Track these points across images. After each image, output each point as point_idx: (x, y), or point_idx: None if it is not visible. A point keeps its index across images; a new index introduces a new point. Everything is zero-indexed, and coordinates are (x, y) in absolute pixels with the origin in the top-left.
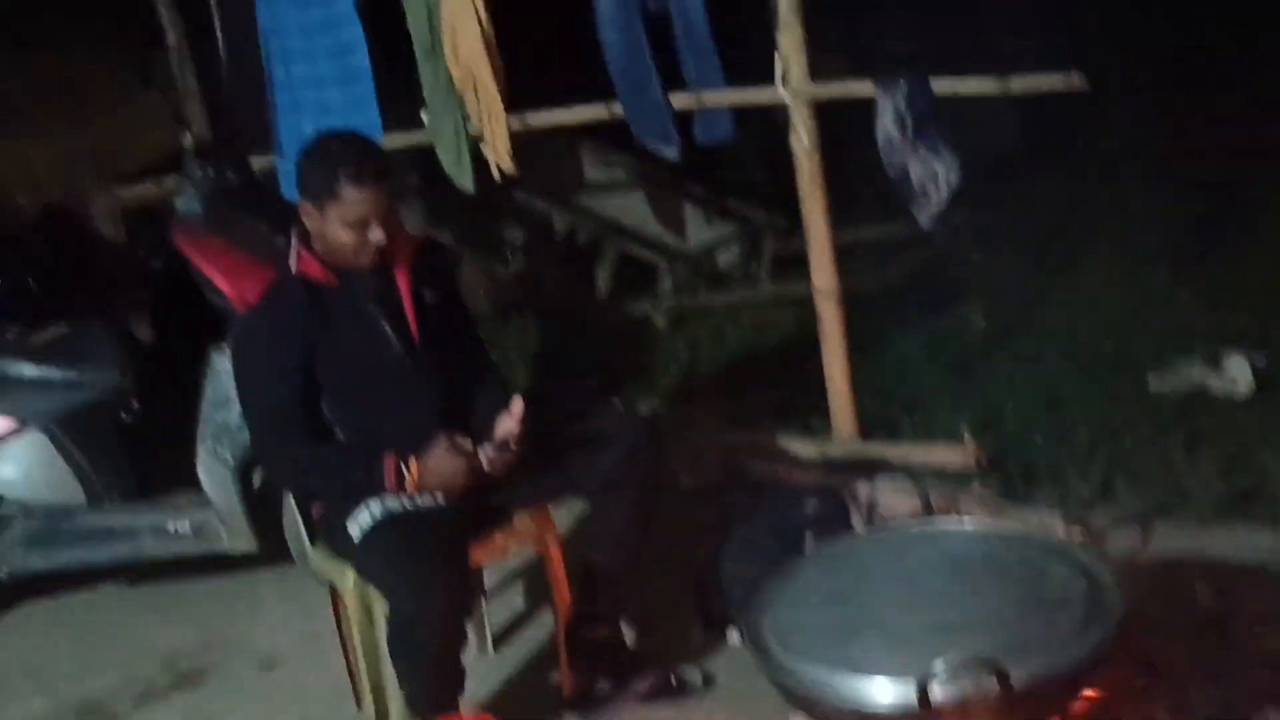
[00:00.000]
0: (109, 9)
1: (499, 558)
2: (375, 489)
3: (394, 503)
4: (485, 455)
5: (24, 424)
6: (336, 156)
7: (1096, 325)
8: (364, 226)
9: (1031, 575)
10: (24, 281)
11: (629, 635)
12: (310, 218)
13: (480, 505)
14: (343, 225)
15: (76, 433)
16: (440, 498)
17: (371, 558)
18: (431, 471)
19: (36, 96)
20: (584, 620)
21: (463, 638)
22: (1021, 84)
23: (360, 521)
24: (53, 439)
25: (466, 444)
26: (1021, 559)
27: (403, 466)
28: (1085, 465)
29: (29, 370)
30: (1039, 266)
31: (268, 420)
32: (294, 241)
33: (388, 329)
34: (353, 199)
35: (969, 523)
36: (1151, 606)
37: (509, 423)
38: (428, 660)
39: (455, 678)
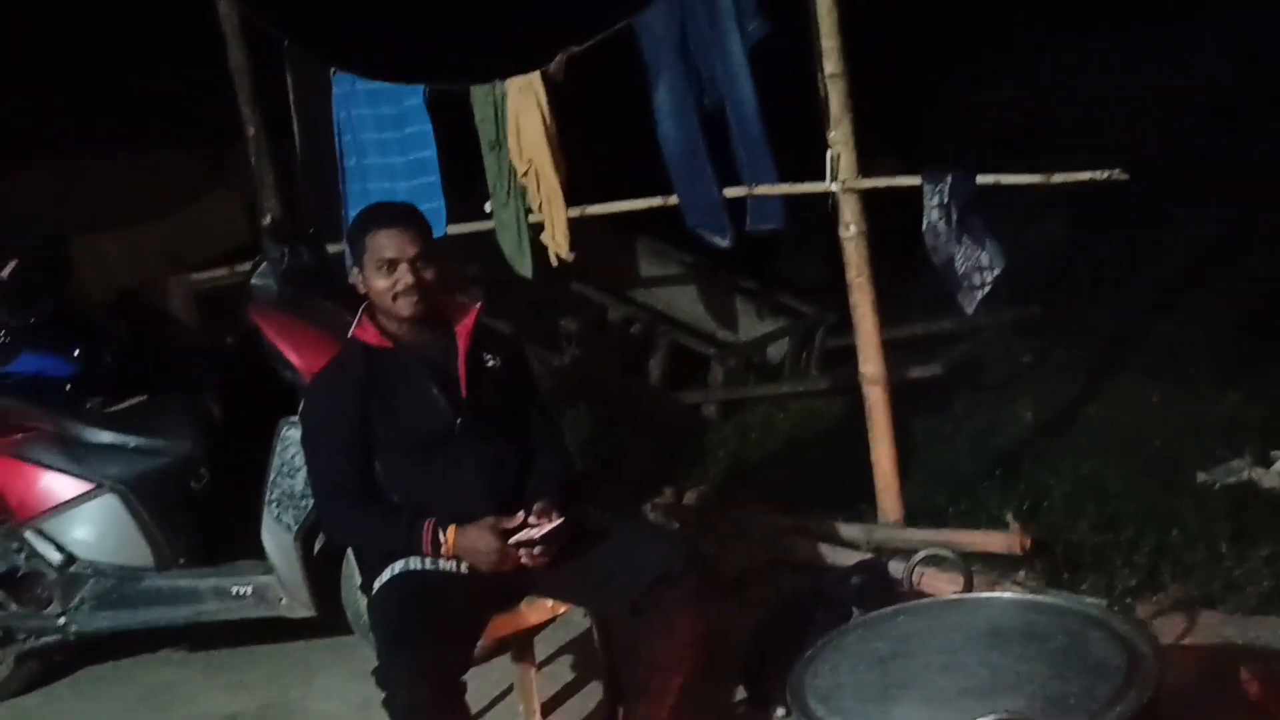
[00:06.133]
0: (182, 108)
1: (505, 634)
2: (412, 551)
3: (416, 563)
4: (523, 550)
5: (99, 487)
6: (367, 215)
7: (1145, 422)
8: (392, 268)
9: (1071, 644)
10: (101, 358)
11: None
12: (360, 284)
13: (505, 581)
14: (375, 271)
15: (148, 497)
16: (465, 567)
17: (377, 611)
18: (467, 546)
19: (112, 192)
20: None
21: (448, 707)
22: (1063, 176)
23: (382, 578)
24: (125, 502)
25: (509, 524)
26: (1061, 628)
27: (439, 532)
28: (1131, 554)
29: (105, 437)
30: (1088, 364)
31: (324, 478)
32: (360, 313)
33: (434, 390)
34: (378, 241)
35: (1009, 595)
36: (1196, 691)
37: (532, 532)
38: None
39: None
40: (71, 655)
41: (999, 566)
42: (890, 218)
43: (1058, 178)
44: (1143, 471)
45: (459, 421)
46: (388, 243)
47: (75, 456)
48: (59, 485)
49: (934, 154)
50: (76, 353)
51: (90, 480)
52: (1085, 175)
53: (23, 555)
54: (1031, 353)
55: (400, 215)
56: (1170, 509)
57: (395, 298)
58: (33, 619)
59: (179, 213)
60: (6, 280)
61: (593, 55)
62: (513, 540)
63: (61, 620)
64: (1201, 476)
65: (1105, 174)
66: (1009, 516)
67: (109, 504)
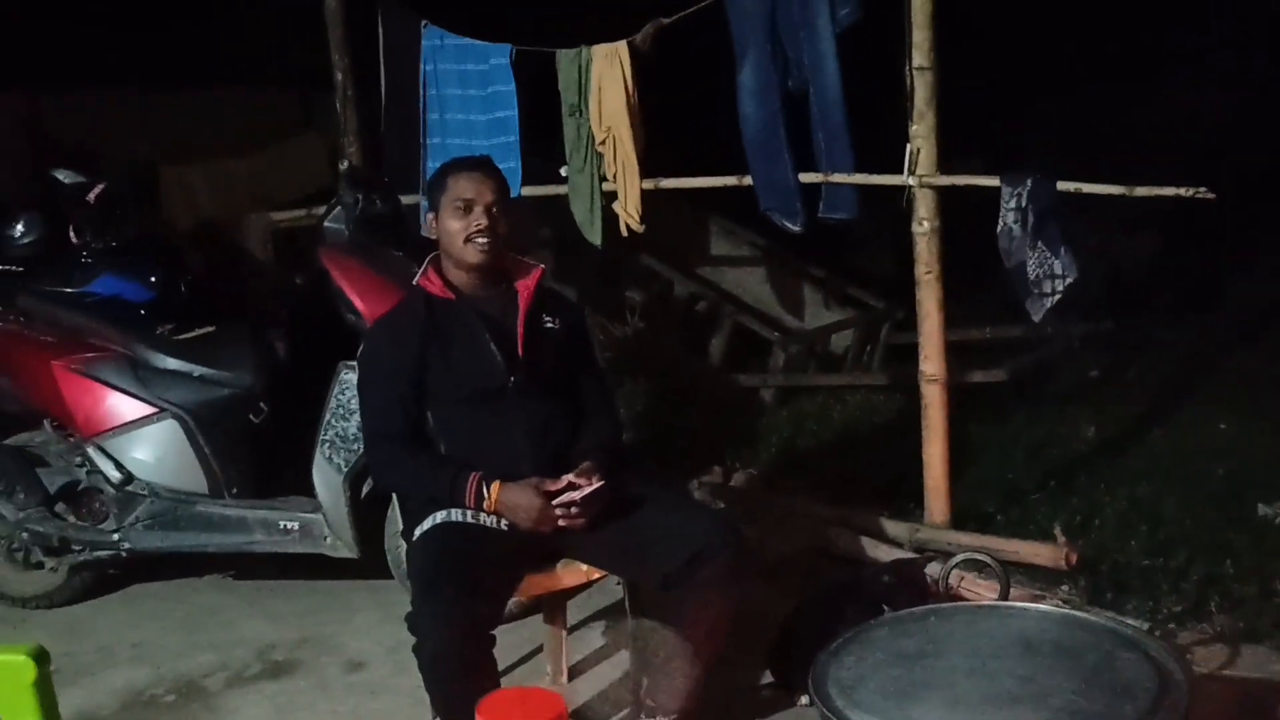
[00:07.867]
0: (279, 51)
1: (539, 594)
2: (455, 502)
3: (458, 514)
4: (560, 510)
5: (161, 411)
6: (450, 163)
7: (1210, 449)
8: (469, 209)
9: (1102, 661)
10: (177, 286)
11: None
12: (432, 230)
13: (543, 541)
14: (452, 213)
15: (207, 426)
16: (504, 523)
17: (415, 558)
18: (509, 502)
19: (204, 126)
20: (645, 712)
21: (476, 657)
22: (1145, 190)
23: (423, 526)
24: (185, 428)
25: (553, 486)
26: (1094, 645)
27: (484, 487)
28: (1179, 581)
29: (172, 363)
30: (1159, 385)
31: (375, 422)
32: (425, 263)
33: (491, 346)
34: (459, 183)
35: (1044, 607)
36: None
37: (573, 494)
38: (440, 676)
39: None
40: (123, 570)
41: (1042, 579)
42: (970, 219)
43: (1140, 191)
44: (1201, 499)
45: (512, 380)
46: (467, 185)
47: (142, 380)
48: (124, 406)
49: (1019, 159)
50: (154, 279)
51: (154, 404)
52: (1170, 190)
53: (84, 470)
54: (1101, 368)
55: (482, 163)
56: (1225, 539)
57: (467, 240)
58: (89, 532)
59: (266, 151)
60: (93, 203)
61: (680, 29)
62: (554, 502)
63: (116, 536)
64: (1263, 510)
65: (1191, 191)
66: (1057, 529)
67: (169, 429)
